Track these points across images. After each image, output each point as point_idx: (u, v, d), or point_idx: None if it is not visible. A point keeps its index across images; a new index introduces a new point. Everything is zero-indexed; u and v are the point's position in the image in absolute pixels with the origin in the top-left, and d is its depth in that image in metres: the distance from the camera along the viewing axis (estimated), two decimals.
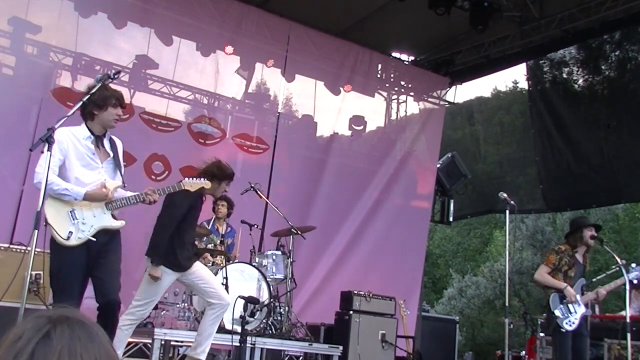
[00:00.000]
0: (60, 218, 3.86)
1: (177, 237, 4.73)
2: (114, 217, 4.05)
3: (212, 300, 4.80)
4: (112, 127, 4.09)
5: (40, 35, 7.68)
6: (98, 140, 4.03)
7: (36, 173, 3.77)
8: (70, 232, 3.84)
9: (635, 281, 5.51)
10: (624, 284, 5.53)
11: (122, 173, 4.16)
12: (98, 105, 3.94)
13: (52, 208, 3.87)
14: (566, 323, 5.30)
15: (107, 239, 4.00)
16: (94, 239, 3.90)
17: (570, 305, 5.35)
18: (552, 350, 5.61)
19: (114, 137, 4.19)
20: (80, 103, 3.88)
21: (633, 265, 5.56)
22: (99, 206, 3.98)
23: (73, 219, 3.88)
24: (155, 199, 4.15)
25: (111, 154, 4.10)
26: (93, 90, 3.99)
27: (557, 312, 5.30)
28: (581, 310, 5.39)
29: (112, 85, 4.24)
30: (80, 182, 3.93)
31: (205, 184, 4.54)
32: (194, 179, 4.49)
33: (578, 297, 5.41)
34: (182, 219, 4.72)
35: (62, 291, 3.84)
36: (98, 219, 3.96)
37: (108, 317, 3.93)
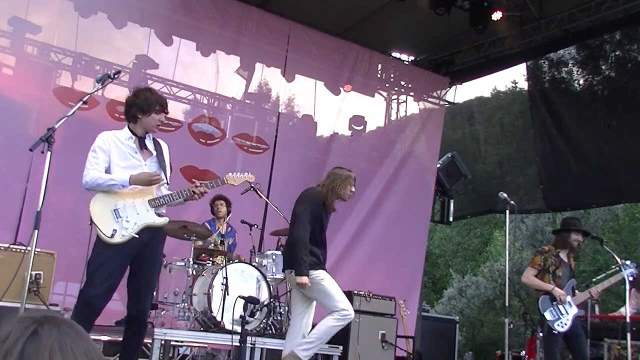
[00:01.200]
0: (105, 216, 3.91)
1: (314, 238, 4.77)
2: (157, 214, 4.06)
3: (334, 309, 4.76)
4: (154, 132, 4.15)
5: (40, 35, 7.68)
6: (140, 140, 4.08)
7: (84, 175, 3.89)
8: (114, 229, 3.88)
9: (630, 278, 5.52)
10: (618, 282, 5.57)
11: (167, 174, 4.18)
12: (142, 109, 4.01)
13: (96, 207, 3.93)
14: (558, 325, 5.27)
15: (149, 236, 4.00)
16: (137, 236, 3.92)
17: (561, 307, 5.32)
18: (543, 350, 5.61)
19: (159, 140, 4.25)
20: (80, 103, 3.88)
21: (628, 262, 5.56)
22: (142, 203, 4.00)
23: (117, 217, 3.92)
24: (204, 191, 4.16)
25: (154, 153, 4.14)
26: (93, 90, 4.00)
27: (547, 315, 5.28)
28: (573, 311, 5.36)
29: (114, 85, 4.26)
30: None
31: (249, 177, 4.56)
32: (238, 173, 4.52)
33: (569, 298, 5.39)
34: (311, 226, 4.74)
35: (92, 284, 3.84)
36: (141, 216, 3.98)
37: (138, 324, 4.06)
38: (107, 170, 3.97)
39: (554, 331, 5.25)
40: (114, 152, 3.98)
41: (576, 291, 5.52)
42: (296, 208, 4.83)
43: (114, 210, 3.93)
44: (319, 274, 4.75)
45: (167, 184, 4.16)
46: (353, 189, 4.98)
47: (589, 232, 6.08)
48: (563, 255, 5.59)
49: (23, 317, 1.05)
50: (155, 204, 4.03)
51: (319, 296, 4.77)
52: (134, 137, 4.05)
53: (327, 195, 4.88)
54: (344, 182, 4.92)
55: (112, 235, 3.87)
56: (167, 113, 4.14)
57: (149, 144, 4.13)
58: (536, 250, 5.38)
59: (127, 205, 3.97)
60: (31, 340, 0.99)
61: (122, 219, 3.92)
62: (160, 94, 4.25)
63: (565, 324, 5.28)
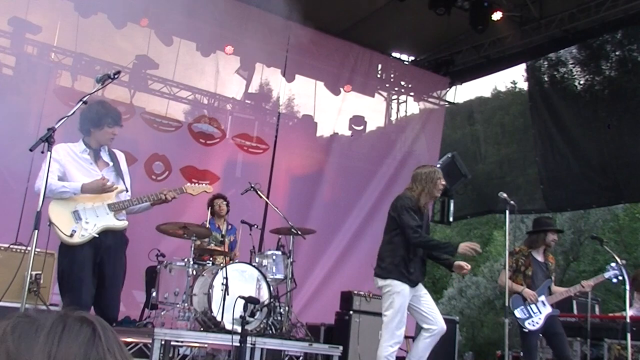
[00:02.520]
0: (64, 217, 3.96)
1: (408, 249, 4.73)
2: (117, 218, 4.10)
3: (429, 325, 4.76)
4: (108, 144, 4.20)
5: (40, 35, 7.68)
6: (95, 152, 4.15)
7: (35, 182, 3.89)
8: (73, 230, 3.93)
9: (614, 280, 5.58)
10: (602, 282, 5.63)
11: (126, 182, 4.24)
12: (94, 123, 4.08)
13: (55, 208, 3.97)
14: (528, 323, 5.35)
15: (113, 241, 4.06)
16: (97, 236, 3.96)
17: (532, 306, 5.39)
18: (521, 349, 5.69)
19: (114, 150, 4.30)
20: (80, 103, 3.88)
21: (612, 264, 5.61)
22: (101, 207, 4.06)
23: (77, 219, 3.98)
24: (174, 196, 4.24)
25: (111, 163, 4.20)
26: (93, 90, 4.01)
27: (517, 313, 5.37)
28: (546, 310, 5.43)
29: (114, 85, 4.29)
30: None
31: (207, 188, 4.60)
32: (196, 183, 4.59)
33: (542, 297, 5.46)
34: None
35: (72, 290, 3.88)
36: (101, 219, 4.03)
37: None
38: (61, 179, 4.02)
39: (524, 329, 5.33)
40: (68, 164, 4.04)
41: (553, 290, 5.58)
42: (400, 218, 4.77)
43: (74, 212, 3.99)
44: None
45: (127, 190, 4.23)
46: (443, 182, 4.89)
47: (562, 230, 6.19)
48: (537, 254, 5.65)
49: (42, 311, 1.02)
50: (115, 208, 4.10)
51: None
52: (88, 150, 4.13)
53: (420, 198, 4.82)
54: (434, 180, 4.83)
55: (71, 235, 3.92)
56: (121, 126, 4.19)
57: (104, 155, 4.20)
58: (509, 251, 5.42)
59: (86, 208, 4.03)
60: (66, 333, 0.96)
61: (82, 220, 3.99)
62: (113, 107, 4.28)
63: (537, 323, 5.35)
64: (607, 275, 5.56)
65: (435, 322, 4.77)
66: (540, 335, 5.58)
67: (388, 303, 4.67)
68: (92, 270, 3.96)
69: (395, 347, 4.64)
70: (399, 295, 4.64)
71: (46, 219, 3.85)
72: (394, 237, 4.80)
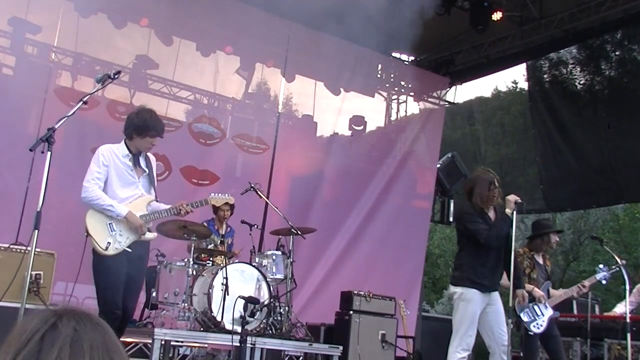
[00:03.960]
0: (100, 229, 4.18)
1: (476, 256, 4.70)
2: (147, 229, 4.33)
3: (496, 346, 4.65)
4: (145, 152, 4.40)
5: (40, 35, 7.68)
6: (135, 157, 4.32)
7: (84, 187, 4.15)
8: (108, 242, 4.16)
9: (603, 282, 5.60)
10: (593, 284, 5.65)
11: (155, 187, 4.47)
12: (139, 131, 4.25)
13: (92, 220, 4.19)
14: (534, 326, 5.34)
15: (141, 251, 4.32)
16: (130, 250, 4.20)
17: (536, 308, 5.39)
18: (522, 351, 5.67)
19: (149, 154, 4.50)
20: (80, 103, 3.87)
21: (600, 266, 5.63)
22: None
23: (111, 231, 4.19)
24: (190, 210, 4.46)
25: (147, 171, 4.40)
26: (93, 90, 4.03)
27: (523, 316, 5.33)
28: (548, 312, 5.44)
29: (114, 85, 4.34)
30: (117, 196, 4.23)
31: (229, 199, 4.90)
32: (219, 194, 4.88)
33: (545, 300, 5.47)
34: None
35: (108, 301, 4.13)
36: (133, 232, 4.24)
37: (117, 321, 4.18)
38: (105, 184, 4.23)
39: (530, 332, 5.31)
40: (111, 168, 4.23)
41: (551, 292, 5.59)
42: (466, 228, 4.81)
43: (109, 224, 4.19)
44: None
45: (157, 199, 4.45)
46: (498, 188, 4.82)
47: (562, 230, 6.24)
48: (538, 257, 5.67)
49: (46, 310, 1.10)
50: (146, 220, 4.29)
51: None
52: (129, 155, 4.29)
53: (480, 204, 4.81)
54: (489, 186, 4.79)
55: (106, 248, 4.14)
56: (161, 137, 4.37)
57: (142, 161, 4.39)
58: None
59: (120, 220, 4.23)
60: (49, 332, 1.03)
61: (116, 232, 4.19)
62: (159, 119, 4.43)
63: (542, 325, 5.35)
64: (598, 277, 5.60)
65: (491, 338, 4.69)
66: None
67: (456, 309, 4.71)
68: (125, 277, 4.20)
69: (464, 354, 4.61)
70: (467, 302, 4.65)
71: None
72: (462, 247, 4.89)
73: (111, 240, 4.16)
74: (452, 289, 4.84)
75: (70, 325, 1.05)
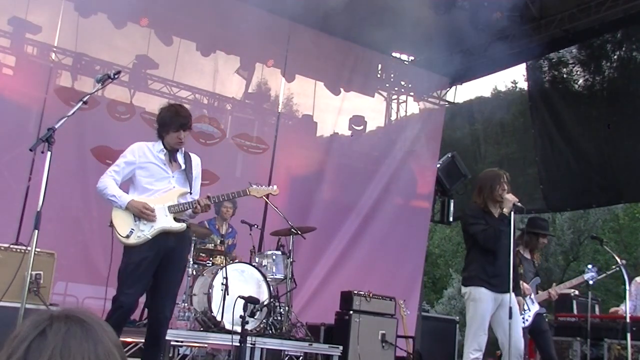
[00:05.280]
0: (124, 218, 4.14)
1: (484, 256, 4.68)
2: (176, 219, 4.24)
3: (501, 345, 4.60)
4: (177, 147, 4.33)
5: (40, 35, 7.68)
6: (171, 153, 4.29)
7: (100, 179, 4.17)
8: (131, 230, 4.11)
9: (591, 282, 5.61)
10: (580, 284, 5.66)
11: (196, 185, 4.40)
12: (163, 127, 4.29)
13: (117, 212, 4.16)
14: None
15: (175, 243, 4.22)
16: (150, 237, 4.11)
17: (523, 303, 5.39)
18: None
19: (192, 154, 4.49)
20: (80, 103, 3.88)
21: (589, 266, 5.65)
22: (161, 208, 4.21)
23: (136, 220, 4.14)
24: (207, 203, 4.31)
25: (183, 166, 4.36)
26: (94, 90, 4.04)
27: None
28: (535, 308, 5.51)
29: (114, 85, 4.34)
30: (147, 189, 4.21)
31: (272, 190, 4.72)
32: (262, 186, 4.73)
33: (532, 295, 5.52)
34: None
35: (118, 287, 4.08)
36: (159, 221, 4.18)
37: (155, 332, 4.21)
38: (133, 180, 4.24)
39: None
40: (143, 164, 4.22)
41: (538, 290, 5.62)
42: (466, 230, 4.84)
43: (133, 214, 4.15)
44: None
45: (190, 193, 4.35)
46: (505, 186, 4.75)
47: (554, 235, 6.27)
48: (525, 252, 5.71)
49: (42, 312, 1.06)
50: (174, 210, 4.23)
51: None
52: (164, 151, 4.29)
53: (485, 204, 4.79)
54: (494, 183, 4.76)
55: (128, 236, 4.10)
56: (189, 130, 4.32)
57: (180, 157, 4.36)
58: None
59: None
60: (37, 340, 1.00)
61: (140, 222, 4.14)
62: (181, 110, 4.38)
63: (527, 320, 5.42)
64: (586, 276, 5.63)
65: (503, 342, 4.62)
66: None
67: (467, 310, 4.75)
68: (152, 272, 4.12)
69: (477, 354, 4.62)
70: (475, 302, 4.65)
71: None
72: (469, 248, 4.90)
73: (134, 228, 4.12)
74: (462, 289, 4.87)
75: (59, 333, 1.01)
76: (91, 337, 1.03)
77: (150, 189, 4.23)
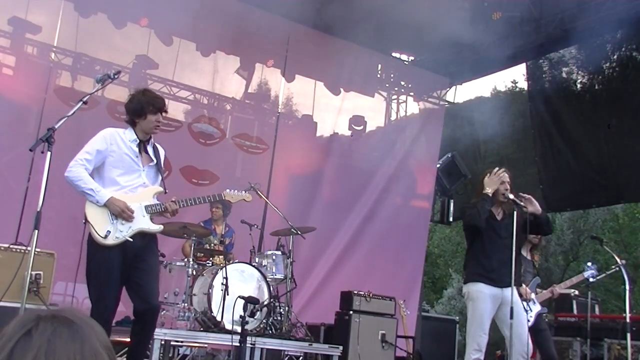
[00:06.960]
0: (100, 217, 3.91)
1: (482, 251, 4.67)
2: (152, 220, 4.07)
3: (508, 343, 4.51)
4: (153, 133, 4.14)
5: (40, 35, 7.68)
6: (142, 145, 4.09)
7: (69, 166, 3.87)
8: (108, 231, 3.89)
9: (591, 279, 5.62)
10: (580, 282, 5.66)
11: (163, 179, 4.22)
12: (137, 113, 4.03)
13: (92, 207, 3.93)
14: None
15: (143, 242, 4.01)
16: (131, 239, 3.92)
17: (524, 303, 5.38)
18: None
19: (157, 145, 4.26)
20: (80, 103, 3.87)
21: (589, 264, 5.66)
22: (138, 208, 4.01)
23: (112, 220, 3.93)
24: (175, 208, 4.11)
25: (154, 160, 4.16)
26: (93, 90, 4.02)
27: None
28: (536, 308, 5.52)
29: (114, 85, 4.27)
30: (115, 182, 3.97)
31: (246, 196, 4.56)
32: (236, 191, 4.56)
33: (533, 295, 5.52)
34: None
35: (99, 292, 3.85)
36: (136, 221, 3.98)
37: (147, 323, 3.98)
38: (102, 166, 3.97)
39: None
40: (114, 153, 3.97)
41: (538, 289, 5.62)
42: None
43: (111, 212, 3.93)
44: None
45: (166, 192, 4.19)
46: (503, 185, 4.78)
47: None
48: (524, 251, 5.67)
49: (30, 312, 1.05)
50: (151, 211, 4.05)
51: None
52: (137, 140, 4.06)
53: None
54: (488, 179, 4.81)
55: (106, 237, 3.88)
56: (165, 112, 4.13)
57: (150, 149, 4.15)
58: None
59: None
60: (22, 340, 0.98)
61: (118, 221, 3.93)
62: (156, 93, 4.24)
63: (529, 320, 5.37)
64: (586, 274, 5.64)
65: (509, 341, 4.51)
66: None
67: (468, 310, 4.69)
68: (120, 271, 3.88)
69: (477, 355, 4.55)
70: (473, 301, 4.61)
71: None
72: (468, 246, 4.89)
73: (111, 229, 3.88)
74: (463, 288, 4.86)
75: (45, 333, 0.99)
76: (78, 337, 1.02)
77: (119, 182, 3.98)
